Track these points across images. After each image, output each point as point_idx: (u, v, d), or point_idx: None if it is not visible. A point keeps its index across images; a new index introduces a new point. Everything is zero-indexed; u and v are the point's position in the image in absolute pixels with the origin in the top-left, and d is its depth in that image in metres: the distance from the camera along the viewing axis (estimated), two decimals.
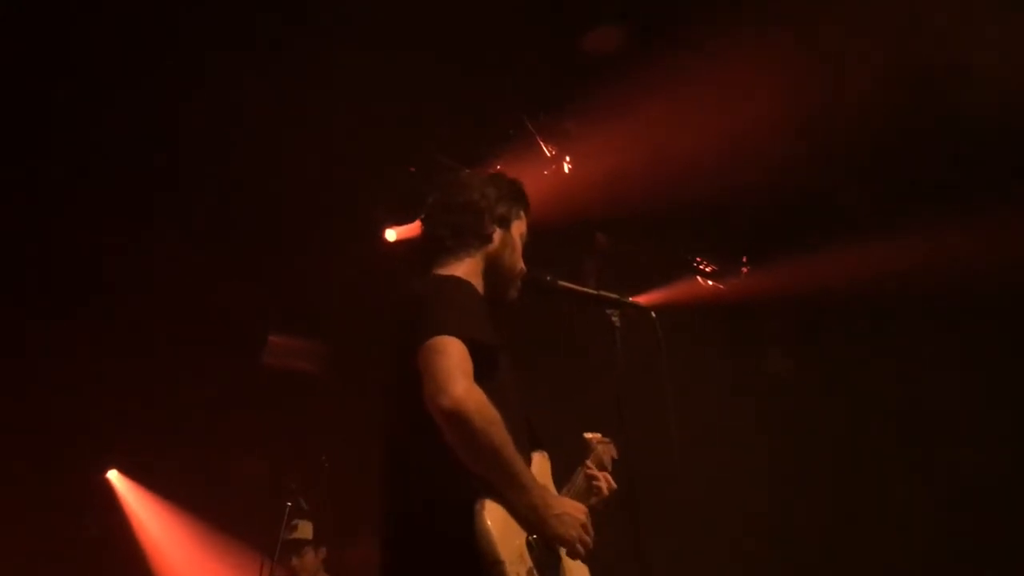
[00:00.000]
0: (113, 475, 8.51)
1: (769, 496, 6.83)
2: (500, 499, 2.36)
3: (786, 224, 6.68)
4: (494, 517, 2.32)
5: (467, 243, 2.82)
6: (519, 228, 2.92)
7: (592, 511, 2.60)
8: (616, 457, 3.00)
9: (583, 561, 2.57)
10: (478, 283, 2.77)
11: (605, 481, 2.84)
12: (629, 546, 2.65)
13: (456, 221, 2.84)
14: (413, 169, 6.26)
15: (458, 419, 2.31)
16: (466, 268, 2.78)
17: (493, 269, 2.83)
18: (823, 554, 6.68)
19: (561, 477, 2.79)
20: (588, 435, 3.02)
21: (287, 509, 5.72)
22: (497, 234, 2.84)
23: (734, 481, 6.70)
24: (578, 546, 2.47)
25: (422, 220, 2.95)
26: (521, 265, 2.90)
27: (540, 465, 2.69)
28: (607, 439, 3.03)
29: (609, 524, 2.73)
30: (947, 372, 6.37)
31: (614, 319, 2.87)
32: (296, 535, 5.78)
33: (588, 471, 2.85)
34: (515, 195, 2.94)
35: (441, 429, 2.34)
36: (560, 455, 2.82)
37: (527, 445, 2.60)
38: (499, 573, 2.24)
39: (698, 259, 7.17)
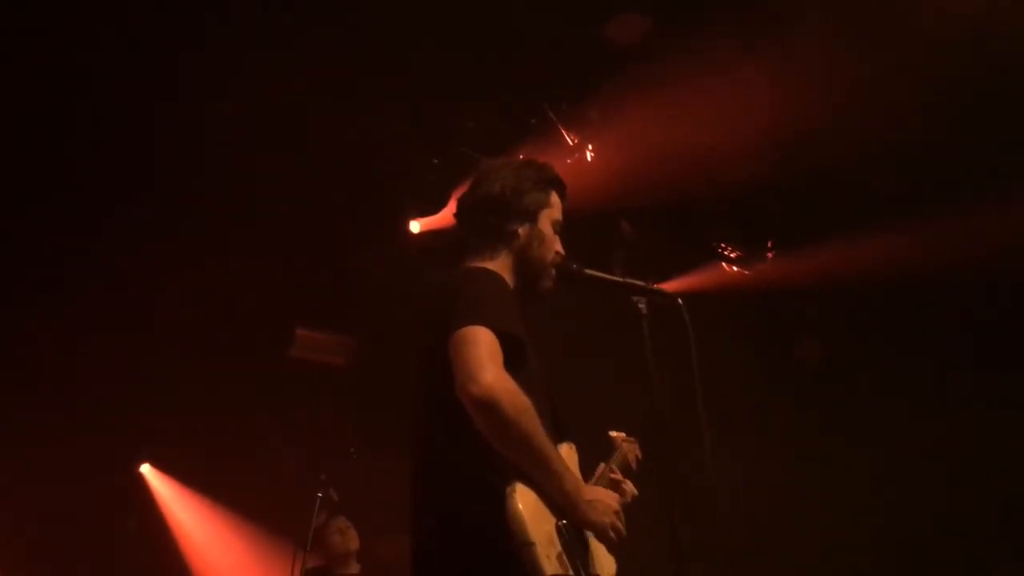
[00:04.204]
0: (146, 469, 8.60)
1: (800, 486, 6.78)
2: (532, 484, 2.37)
3: (813, 209, 6.62)
4: (525, 500, 2.33)
5: (493, 244, 2.82)
6: (550, 216, 2.88)
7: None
8: (640, 457, 2.99)
9: (615, 548, 2.58)
10: (509, 277, 2.77)
11: (628, 488, 2.83)
12: (659, 536, 2.65)
13: (480, 222, 2.84)
14: (436, 160, 6.27)
15: (488, 407, 2.32)
16: (496, 264, 2.79)
17: (522, 264, 2.82)
18: (853, 545, 6.63)
19: (586, 471, 2.78)
20: (613, 433, 3.02)
21: (317, 501, 5.76)
22: (523, 229, 2.82)
23: (764, 470, 6.66)
24: (611, 533, 2.48)
25: (454, 216, 2.96)
26: (552, 255, 2.86)
27: (568, 457, 2.68)
28: (632, 438, 3.02)
29: (638, 514, 2.73)
30: (982, 359, 6.30)
31: (641, 306, 2.84)
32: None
33: (612, 475, 2.83)
34: (543, 182, 2.91)
35: (472, 417, 2.35)
36: (585, 447, 2.82)
37: (555, 437, 2.60)
38: (529, 554, 2.25)
39: (723, 245, 7.12)
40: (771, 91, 5.48)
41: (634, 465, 2.97)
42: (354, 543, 5.83)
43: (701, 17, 5.26)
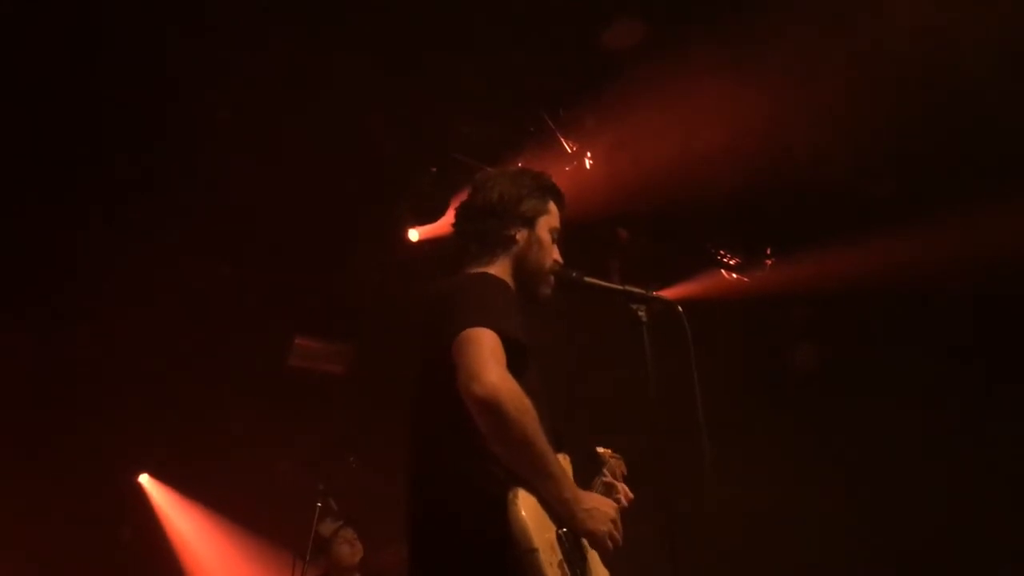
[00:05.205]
0: (145, 479, 8.57)
1: (796, 493, 6.76)
2: (532, 490, 2.36)
3: (811, 215, 6.61)
4: (527, 506, 2.31)
5: (492, 249, 2.82)
6: (548, 223, 2.89)
7: None
8: (626, 473, 2.99)
9: (610, 557, 2.56)
10: (508, 282, 2.77)
11: (623, 492, 2.84)
12: (658, 547, 2.64)
13: (479, 228, 2.84)
14: (434, 169, 6.27)
15: (491, 406, 2.30)
16: (495, 269, 2.79)
17: (521, 269, 2.83)
18: (849, 553, 6.61)
19: (581, 485, 2.77)
20: (600, 449, 3.02)
21: (317, 510, 5.75)
22: (521, 235, 2.83)
23: (762, 476, 6.65)
24: (607, 542, 2.47)
25: (452, 225, 2.96)
26: (550, 262, 2.86)
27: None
28: (618, 455, 3.03)
29: (638, 524, 2.72)
30: (977, 364, 6.30)
31: (640, 314, 2.84)
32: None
33: (605, 479, 2.85)
34: (541, 190, 2.91)
35: (473, 418, 2.33)
36: (580, 458, 2.81)
37: (553, 446, 2.58)
38: (532, 561, 2.23)
39: (721, 252, 7.12)
40: (764, 98, 5.49)
41: (620, 481, 2.97)
42: (359, 555, 5.83)
43: (696, 26, 5.27)
